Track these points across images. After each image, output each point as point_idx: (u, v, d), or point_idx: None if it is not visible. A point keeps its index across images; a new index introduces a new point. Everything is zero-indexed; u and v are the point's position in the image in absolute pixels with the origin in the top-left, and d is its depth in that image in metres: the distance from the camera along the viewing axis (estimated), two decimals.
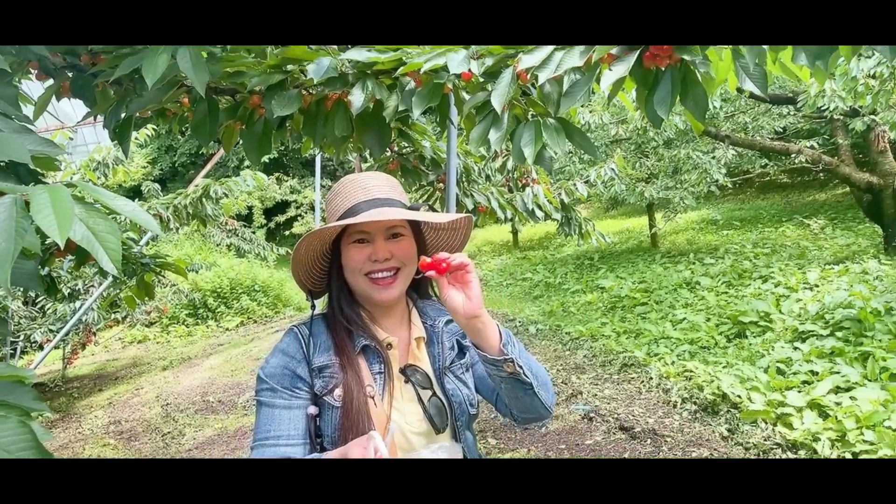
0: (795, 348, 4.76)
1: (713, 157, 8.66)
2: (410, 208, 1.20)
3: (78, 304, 5.78)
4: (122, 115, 1.64)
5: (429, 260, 1.08)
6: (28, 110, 1.77)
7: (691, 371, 4.76)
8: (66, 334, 5.82)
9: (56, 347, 6.06)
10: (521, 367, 1.12)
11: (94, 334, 7.18)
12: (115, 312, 7.53)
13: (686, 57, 1.20)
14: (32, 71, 1.65)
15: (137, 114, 1.81)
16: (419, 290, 1.33)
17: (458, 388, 1.24)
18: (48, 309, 6.05)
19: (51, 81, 1.71)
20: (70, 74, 1.73)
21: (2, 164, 1.22)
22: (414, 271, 1.22)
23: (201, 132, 1.59)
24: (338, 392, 1.13)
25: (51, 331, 5.94)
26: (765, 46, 1.08)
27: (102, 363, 8.25)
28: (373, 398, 1.14)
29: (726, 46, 1.18)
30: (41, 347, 6.11)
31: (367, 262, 1.16)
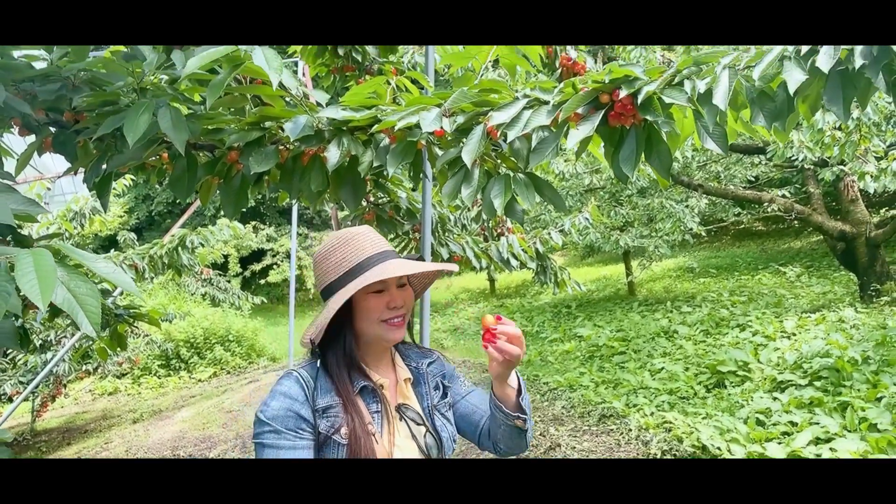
0: (774, 398, 4.79)
1: (687, 206, 8.84)
2: (408, 258, 1.33)
3: (49, 355, 5.65)
4: (103, 170, 1.66)
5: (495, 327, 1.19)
6: (9, 163, 1.79)
7: (671, 422, 4.75)
8: (37, 386, 5.66)
9: (25, 400, 5.88)
10: (528, 418, 1.25)
11: (65, 386, 6.99)
12: (85, 364, 7.35)
13: (649, 117, 1.25)
14: (15, 126, 1.67)
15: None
16: None
17: (444, 424, 1.33)
18: (18, 360, 5.90)
19: (32, 137, 1.73)
20: (52, 130, 1.75)
21: None
22: None
23: (180, 187, 1.62)
24: (343, 430, 1.19)
25: (21, 383, 5.77)
26: (723, 107, 1.13)
27: (72, 416, 8.00)
28: (374, 435, 1.21)
29: (688, 105, 1.23)
30: (10, 400, 5.93)
31: (386, 309, 1.26)
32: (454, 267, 1.35)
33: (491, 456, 1.53)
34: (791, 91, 1.02)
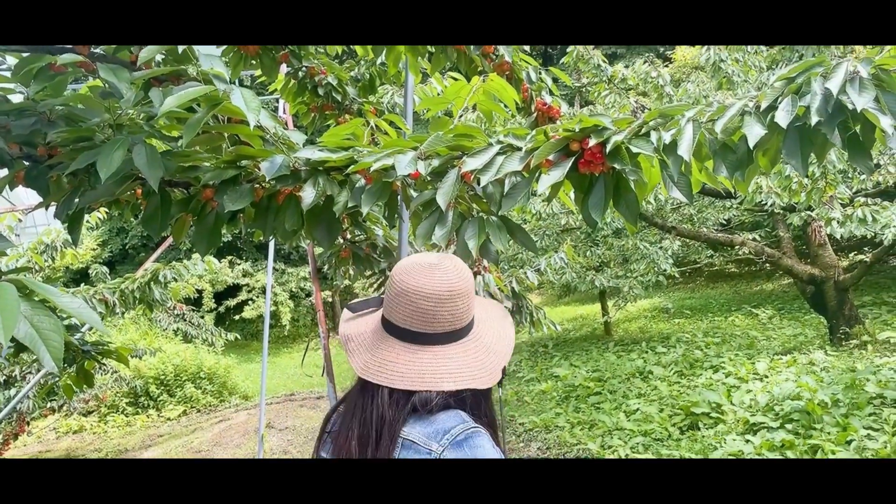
0: (747, 441, 4.81)
1: (661, 248, 8.97)
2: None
3: (13, 391, 5.47)
4: (76, 205, 1.65)
5: None
6: None
7: None
8: None
9: None
10: None
11: (28, 423, 6.75)
12: (51, 401, 7.13)
13: (617, 165, 1.29)
14: None
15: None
16: None
17: None
18: None
19: (4, 171, 1.71)
20: (25, 164, 1.74)
21: None
22: None
23: (153, 224, 1.61)
24: None
25: None
26: (687, 158, 1.16)
27: (34, 454, 7.71)
28: None
29: (654, 155, 1.26)
30: None
31: None
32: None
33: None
34: (751, 145, 1.06)
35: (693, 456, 4.74)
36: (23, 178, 1.73)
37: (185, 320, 9.45)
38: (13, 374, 5.50)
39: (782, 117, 1.05)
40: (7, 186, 1.76)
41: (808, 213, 6.81)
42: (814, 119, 1.02)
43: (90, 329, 3.59)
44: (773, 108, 1.08)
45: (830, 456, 4.19)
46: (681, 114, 1.18)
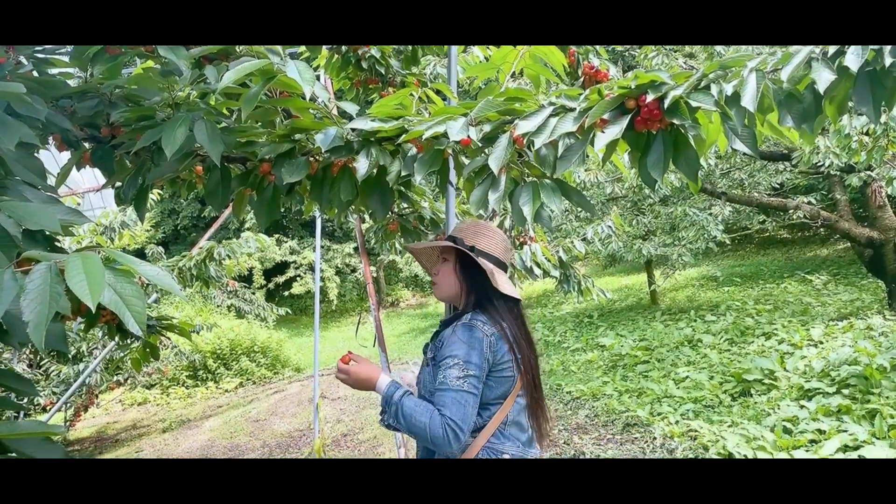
0: (802, 406, 4.71)
1: (710, 214, 8.74)
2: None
3: (81, 366, 5.77)
4: (140, 184, 1.71)
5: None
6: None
7: (696, 430, 4.70)
8: (70, 396, 5.79)
9: (59, 410, 6.01)
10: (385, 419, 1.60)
11: (97, 396, 7.11)
12: (116, 375, 7.49)
13: (676, 121, 1.26)
14: (53, 142, 1.74)
15: None
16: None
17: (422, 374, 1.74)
18: (52, 371, 6.03)
19: (67, 153, 1.79)
20: (87, 146, 1.81)
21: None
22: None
23: (214, 199, 1.66)
24: None
25: (54, 393, 5.90)
26: (752, 109, 1.13)
27: (103, 425, 8.13)
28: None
29: (715, 109, 1.23)
30: (45, 410, 6.06)
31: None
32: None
33: (507, 455, 1.59)
34: (821, 90, 1.02)
35: (745, 422, 4.67)
36: (89, 158, 1.81)
37: (237, 297, 9.72)
38: (81, 350, 5.79)
39: (852, 61, 1.01)
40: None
41: (868, 173, 6.52)
42: (887, 61, 0.98)
43: (154, 304, 3.73)
44: (841, 52, 1.04)
45: (889, 420, 4.08)
46: (742, 64, 1.14)
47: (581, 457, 4.69)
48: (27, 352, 5.71)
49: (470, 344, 1.56)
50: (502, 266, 1.74)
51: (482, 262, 1.68)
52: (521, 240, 3.93)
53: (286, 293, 15.65)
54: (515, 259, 3.73)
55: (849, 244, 9.24)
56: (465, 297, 1.73)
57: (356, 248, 16.25)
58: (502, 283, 1.68)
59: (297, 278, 15.34)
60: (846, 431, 4.07)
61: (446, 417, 1.47)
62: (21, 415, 6.05)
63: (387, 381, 1.59)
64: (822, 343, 6.24)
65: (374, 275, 16.59)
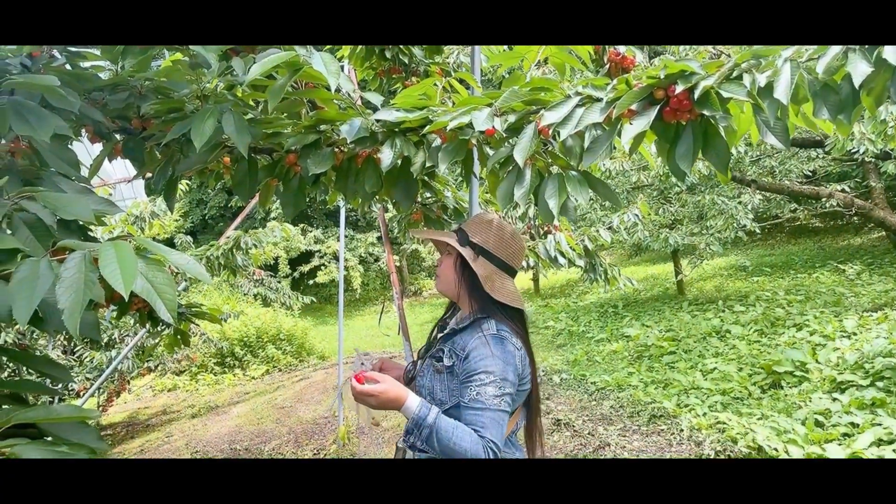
0: (834, 399, 4.63)
1: (739, 203, 8.58)
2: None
3: (113, 353, 5.91)
4: (170, 175, 1.74)
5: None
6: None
7: (724, 423, 4.64)
8: (103, 382, 5.94)
9: (92, 395, 6.18)
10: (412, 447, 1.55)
11: (128, 382, 7.29)
12: (147, 361, 7.67)
13: (706, 112, 1.23)
14: (86, 133, 1.77)
15: None
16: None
17: (428, 378, 1.64)
18: (85, 358, 6.19)
19: (99, 145, 1.82)
20: (119, 137, 1.84)
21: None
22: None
23: (242, 189, 1.68)
24: None
25: (87, 379, 6.06)
26: (785, 101, 1.10)
27: (134, 411, 8.33)
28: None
29: (747, 100, 1.20)
30: (78, 395, 6.23)
31: None
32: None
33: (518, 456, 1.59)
34: (856, 84, 0.99)
35: (775, 414, 4.61)
36: (120, 150, 1.84)
37: (263, 285, 9.87)
38: (113, 337, 5.93)
39: (891, 53, 0.98)
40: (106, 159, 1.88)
41: None
42: None
43: (184, 291, 3.79)
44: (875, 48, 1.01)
45: None
46: (776, 54, 1.12)
47: (605, 447, 4.67)
48: (61, 338, 5.86)
49: (505, 360, 1.48)
50: (509, 270, 1.63)
51: (480, 263, 1.59)
52: (546, 229, 3.91)
53: (311, 282, 15.81)
54: (539, 248, 3.71)
55: (883, 233, 9.01)
56: (466, 298, 1.63)
57: (379, 238, 16.34)
58: (499, 288, 1.58)
59: (322, 267, 15.48)
60: (880, 425, 3.99)
61: (487, 440, 1.38)
62: (56, 400, 6.24)
63: (416, 402, 1.44)
64: (855, 334, 6.11)
65: (398, 264, 16.67)
